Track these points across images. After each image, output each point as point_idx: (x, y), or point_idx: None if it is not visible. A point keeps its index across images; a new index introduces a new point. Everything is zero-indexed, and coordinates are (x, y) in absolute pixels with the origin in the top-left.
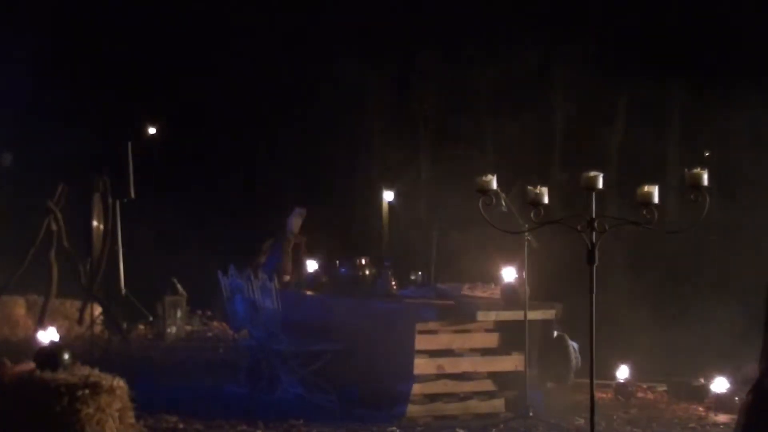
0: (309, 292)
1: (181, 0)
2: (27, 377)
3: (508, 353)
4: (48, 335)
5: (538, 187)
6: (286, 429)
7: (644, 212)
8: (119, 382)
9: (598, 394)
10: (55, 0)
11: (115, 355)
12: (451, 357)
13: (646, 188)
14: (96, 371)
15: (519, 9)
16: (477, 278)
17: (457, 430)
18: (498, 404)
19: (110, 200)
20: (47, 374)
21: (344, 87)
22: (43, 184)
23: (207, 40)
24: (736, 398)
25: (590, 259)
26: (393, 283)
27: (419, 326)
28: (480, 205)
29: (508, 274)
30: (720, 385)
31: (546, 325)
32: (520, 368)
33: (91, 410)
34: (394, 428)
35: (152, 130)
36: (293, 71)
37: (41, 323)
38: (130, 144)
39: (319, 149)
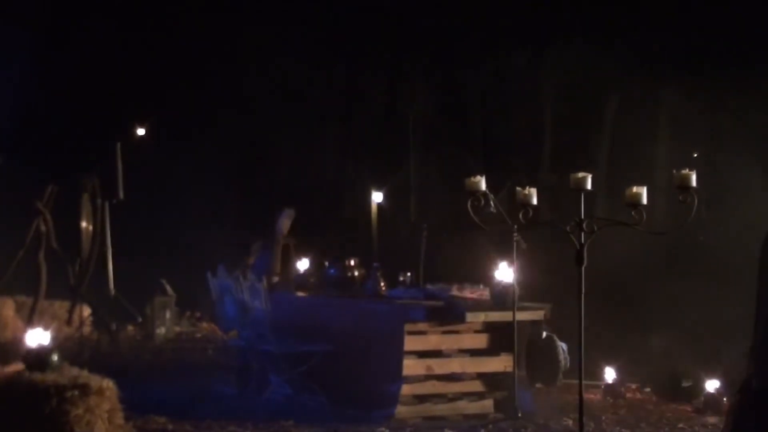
0: (298, 293)
1: (170, 2)
2: (16, 378)
3: (497, 354)
4: (37, 336)
5: (527, 188)
6: (275, 430)
7: (633, 213)
8: (108, 383)
9: (586, 395)
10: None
11: (104, 356)
12: (440, 358)
13: (634, 189)
14: (85, 372)
15: (507, 10)
16: (466, 279)
17: (446, 430)
18: (487, 405)
19: (99, 201)
20: (36, 375)
21: (333, 88)
22: (32, 185)
23: (196, 41)
24: (725, 399)
25: (579, 260)
26: (382, 283)
27: (408, 327)
28: (469, 206)
29: (497, 274)
30: (709, 385)
31: (535, 326)
32: (509, 369)
33: (80, 411)
34: (384, 429)
35: (141, 131)
36: (282, 72)
37: (30, 324)
38: (119, 145)
39: (308, 150)
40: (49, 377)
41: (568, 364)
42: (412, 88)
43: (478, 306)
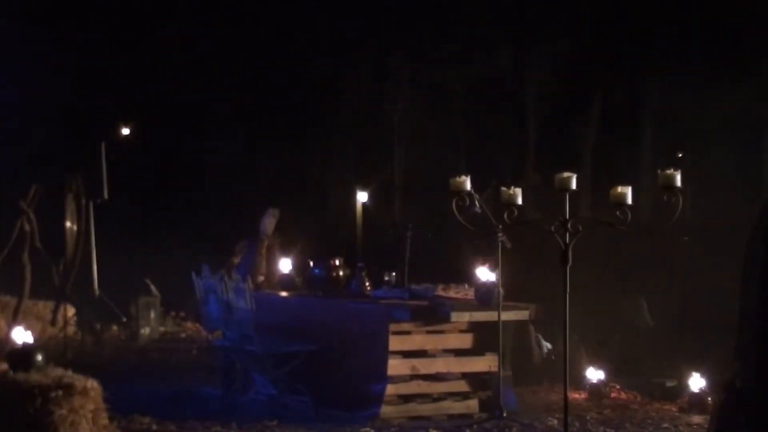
0: (283, 293)
1: (157, 1)
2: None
3: (481, 354)
4: (21, 336)
5: (512, 188)
6: (260, 430)
7: (617, 213)
8: (93, 384)
9: (571, 395)
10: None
11: (89, 357)
12: (424, 358)
13: (619, 189)
14: (69, 372)
15: (492, 10)
16: (451, 279)
17: (431, 430)
18: (472, 405)
19: (83, 201)
20: (20, 375)
21: (318, 87)
22: (16, 184)
23: (182, 41)
24: (709, 398)
25: (564, 260)
26: (367, 283)
27: (393, 327)
28: (453, 205)
29: (482, 274)
30: (693, 385)
31: (520, 325)
32: (494, 369)
33: (64, 412)
34: (368, 429)
35: (126, 131)
36: (267, 72)
37: (14, 324)
38: (103, 144)
39: (293, 150)
40: (33, 377)
41: (545, 353)
42: (396, 87)
43: (462, 306)
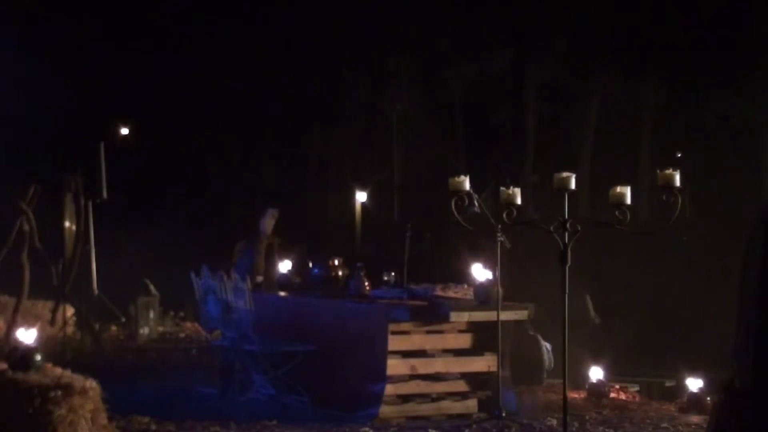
0: (282, 293)
1: (154, 3)
2: None
3: (480, 354)
4: (20, 336)
5: (511, 188)
6: (258, 430)
7: (617, 212)
8: (92, 384)
9: (570, 395)
10: (27, 1)
11: (88, 356)
12: (424, 358)
13: (618, 189)
14: (68, 372)
15: (492, 10)
16: (450, 279)
17: (430, 430)
18: (471, 405)
19: (82, 201)
20: (19, 375)
21: (317, 88)
22: (15, 184)
23: (180, 42)
24: (708, 398)
25: (563, 260)
26: (366, 283)
27: (392, 327)
28: (452, 205)
29: (481, 274)
30: (692, 385)
31: (519, 325)
32: (493, 369)
33: (63, 411)
34: (367, 429)
35: (125, 131)
36: (267, 73)
37: (13, 324)
38: (102, 144)
39: (292, 150)
40: (33, 377)
41: (552, 364)
42: (395, 87)
43: (462, 306)
